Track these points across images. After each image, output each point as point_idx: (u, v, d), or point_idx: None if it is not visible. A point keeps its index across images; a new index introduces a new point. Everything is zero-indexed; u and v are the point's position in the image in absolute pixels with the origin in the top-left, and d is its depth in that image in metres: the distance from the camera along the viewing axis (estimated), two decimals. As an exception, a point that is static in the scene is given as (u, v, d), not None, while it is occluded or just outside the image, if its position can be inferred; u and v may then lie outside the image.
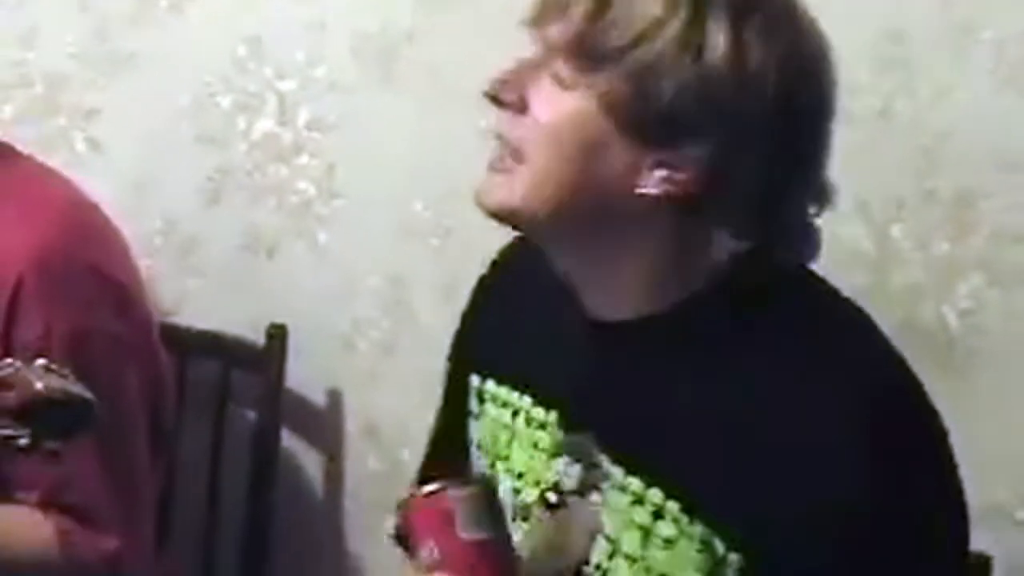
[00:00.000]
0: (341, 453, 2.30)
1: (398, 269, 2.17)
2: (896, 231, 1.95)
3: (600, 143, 1.31)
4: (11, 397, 1.52)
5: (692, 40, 1.28)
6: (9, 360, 1.55)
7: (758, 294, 1.38)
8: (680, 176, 1.30)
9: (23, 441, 1.51)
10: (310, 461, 2.32)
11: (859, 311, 1.42)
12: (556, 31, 1.30)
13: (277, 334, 2.18)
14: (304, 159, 2.23)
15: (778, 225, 1.37)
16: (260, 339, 2.18)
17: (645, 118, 1.29)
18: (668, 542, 1.39)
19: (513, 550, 1.46)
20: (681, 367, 1.40)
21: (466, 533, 1.39)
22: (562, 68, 1.29)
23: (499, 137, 1.35)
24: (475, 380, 1.56)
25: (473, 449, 1.58)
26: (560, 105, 1.31)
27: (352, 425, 2.29)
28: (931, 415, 1.37)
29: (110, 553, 1.88)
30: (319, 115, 2.20)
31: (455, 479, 1.45)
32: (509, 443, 1.52)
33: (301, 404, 2.29)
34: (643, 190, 1.31)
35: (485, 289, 1.61)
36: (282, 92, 2.22)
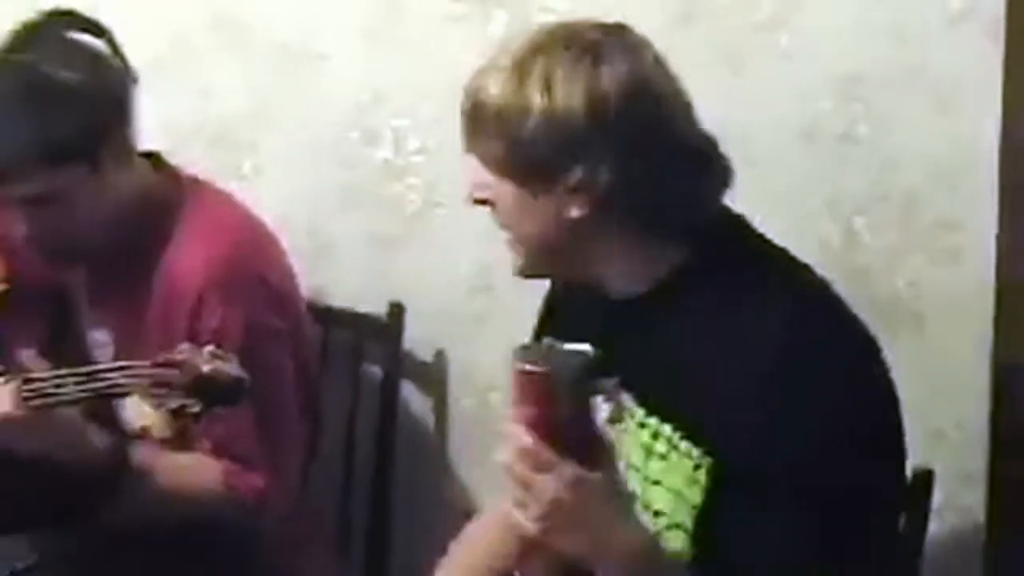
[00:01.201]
0: (446, 399, 2.66)
1: (487, 259, 2.47)
2: (858, 224, 2.34)
3: (526, 204, 1.72)
4: (185, 377, 1.92)
5: (521, 107, 1.66)
6: (185, 345, 1.95)
7: (717, 262, 1.71)
8: (583, 197, 1.67)
9: (195, 409, 1.92)
10: (422, 406, 2.68)
11: (801, 270, 1.75)
12: (468, 148, 1.73)
13: (397, 311, 2.54)
14: (412, 179, 2.61)
15: (673, 198, 1.68)
16: (384, 314, 2.56)
17: (532, 172, 1.69)
18: (662, 456, 1.71)
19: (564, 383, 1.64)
20: (667, 326, 1.73)
21: (528, 365, 1.63)
22: (481, 171, 1.73)
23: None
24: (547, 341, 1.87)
25: None
26: (496, 196, 1.74)
27: (454, 376, 2.66)
28: (845, 348, 1.68)
29: (259, 490, 2.22)
30: (424, 144, 2.58)
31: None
32: None
33: (415, 363, 2.66)
34: (574, 215, 1.69)
35: (553, 285, 1.99)
36: (396, 127, 2.59)
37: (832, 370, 1.65)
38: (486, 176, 1.72)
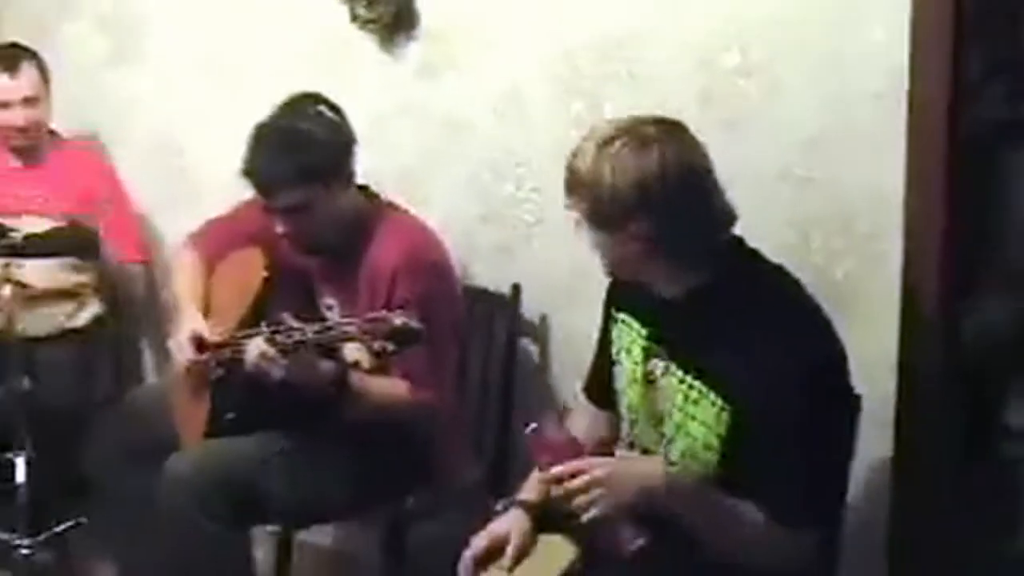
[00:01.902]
0: (548, 347, 3.18)
1: (575, 258, 2.80)
2: (813, 236, 2.72)
3: (601, 240, 2.10)
4: (386, 328, 2.37)
5: (597, 180, 2.01)
6: (385, 312, 2.43)
7: (734, 274, 2.11)
8: (638, 241, 2.04)
9: (391, 348, 2.41)
10: (533, 351, 3.21)
11: (788, 273, 2.15)
12: (567, 199, 2.09)
13: (516, 291, 3.07)
14: (527, 205, 3.18)
15: (698, 238, 2.08)
16: (508, 293, 3.09)
17: (604, 222, 2.07)
18: (695, 401, 2.12)
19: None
20: (699, 317, 2.11)
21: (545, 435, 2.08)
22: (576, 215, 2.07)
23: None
24: (614, 311, 2.34)
25: (613, 348, 2.32)
26: (585, 231, 2.11)
27: (553, 334, 3.18)
28: (821, 330, 2.10)
29: (430, 401, 2.74)
30: (536, 184, 3.15)
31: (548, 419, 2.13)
32: (630, 343, 2.27)
33: (528, 325, 3.16)
34: (632, 250, 2.05)
35: (614, 280, 2.32)
36: (518, 172, 3.17)
37: (827, 369, 2.06)
38: (578, 217, 2.12)
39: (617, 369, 2.31)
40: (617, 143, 2.02)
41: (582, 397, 2.45)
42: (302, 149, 2.69)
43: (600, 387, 2.41)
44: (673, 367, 2.14)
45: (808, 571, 2.08)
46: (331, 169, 2.74)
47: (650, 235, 2.03)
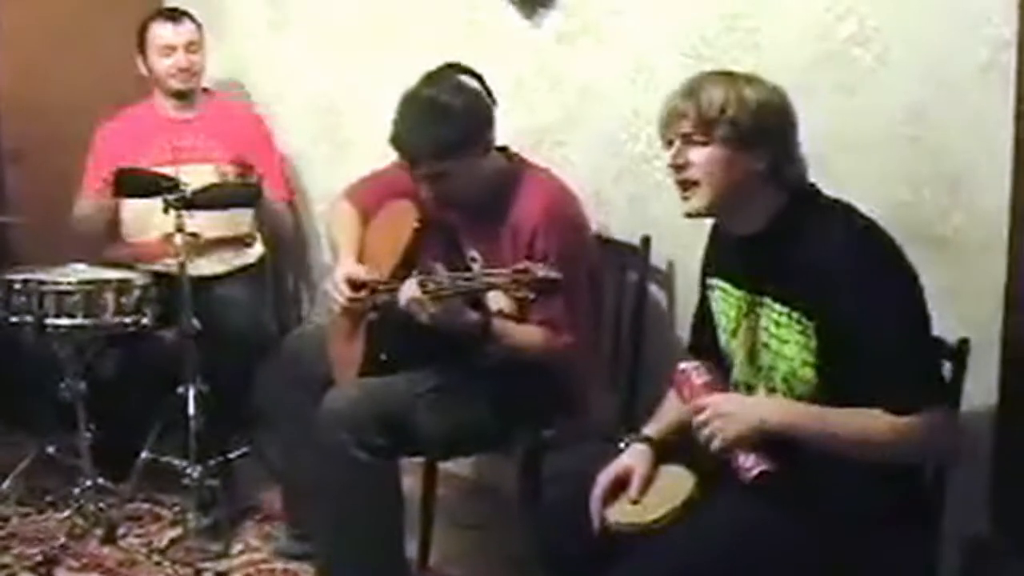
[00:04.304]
0: (675, 293, 3.30)
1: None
2: (924, 190, 2.79)
3: (731, 160, 2.18)
4: (528, 278, 2.43)
5: (726, 107, 2.18)
6: (527, 262, 2.50)
7: (803, 206, 2.24)
8: (762, 160, 2.16)
9: (532, 297, 2.48)
10: (661, 297, 3.34)
11: (843, 202, 2.24)
12: (678, 127, 2.22)
13: (646, 241, 3.20)
14: (657, 163, 3.16)
15: (789, 174, 2.24)
16: (639, 243, 3.24)
17: (741, 141, 2.17)
18: (785, 326, 2.26)
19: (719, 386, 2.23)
20: (775, 244, 2.23)
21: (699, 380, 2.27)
22: (685, 144, 2.20)
23: (680, 180, 2.24)
24: (708, 280, 2.49)
25: (713, 312, 2.48)
26: (699, 159, 2.22)
27: (679, 280, 3.29)
28: (900, 255, 2.19)
29: (567, 344, 2.87)
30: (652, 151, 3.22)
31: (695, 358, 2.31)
32: (727, 307, 2.43)
33: (656, 272, 3.30)
34: (759, 168, 2.17)
35: (712, 232, 2.48)
36: (648, 132, 3.18)
37: (888, 264, 2.19)
38: (687, 150, 2.24)
39: (719, 329, 2.48)
40: (749, 80, 2.26)
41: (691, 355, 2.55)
42: (441, 123, 2.81)
43: (702, 343, 2.58)
44: (764, 300, 2.29)
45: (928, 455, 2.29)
46: (469, 141, 2.84)
47: (771, 160, 2.23)
